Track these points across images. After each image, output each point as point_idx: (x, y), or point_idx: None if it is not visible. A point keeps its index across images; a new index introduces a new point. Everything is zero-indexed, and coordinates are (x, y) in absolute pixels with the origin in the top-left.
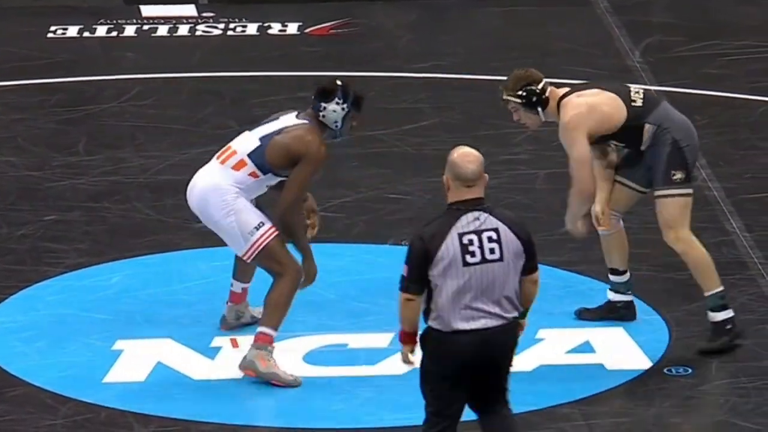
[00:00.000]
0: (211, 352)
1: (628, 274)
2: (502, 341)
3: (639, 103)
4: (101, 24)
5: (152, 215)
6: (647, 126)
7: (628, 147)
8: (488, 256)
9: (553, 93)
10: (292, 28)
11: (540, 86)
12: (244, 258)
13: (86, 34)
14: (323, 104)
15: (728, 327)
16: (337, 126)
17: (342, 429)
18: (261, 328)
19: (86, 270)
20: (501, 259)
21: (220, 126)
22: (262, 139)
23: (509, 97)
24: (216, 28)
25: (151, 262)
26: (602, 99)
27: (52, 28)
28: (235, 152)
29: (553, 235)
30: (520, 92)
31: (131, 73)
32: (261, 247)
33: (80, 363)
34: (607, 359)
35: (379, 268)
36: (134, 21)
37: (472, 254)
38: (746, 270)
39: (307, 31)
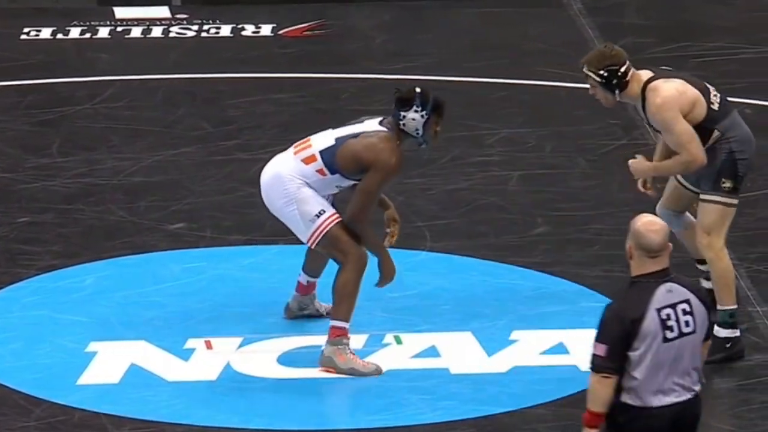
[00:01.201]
0: (185, 354)
1: None
2: (693, 415)
3: (716, 106)
4: (75, 25)
5: (126, 217)
6: (716, 132)
7: None
8: (684, 330)
9: (636, 76)
10: (266, 30)
11: (623, 69)
12: (308, 244)
13: (60, 35)
14: (402, 113)
15: (728, 345)
16: (418, 133)
17: (316, 430)
18: (332, 322)
19: (60, 272)
20: (694, 331)
21: (193, 127)
22: (337, 139)
23: (590, 74)
24: (190, 29)
25: (125, 263)
26: (691, 92)
27: (26, 30)
28: (310, 146)
29: (526, 236)
30: (602, 72)
31: (105, 75)
32: (322, 233)
33: (54, 365)
34: (581, 360)
35: None
36: (108, 22)
37: (671, 329)
38: None
39: (281, 32)
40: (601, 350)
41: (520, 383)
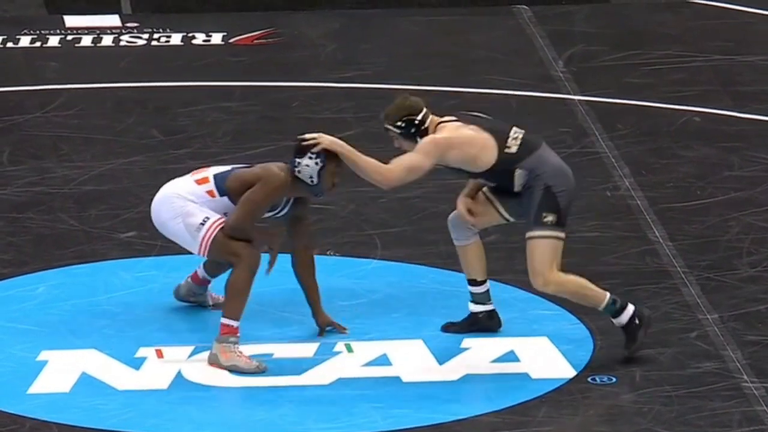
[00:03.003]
0: (136, 363)
1: (487, 284)
2: None
3: (513, 149)
4: (25, 34)
5: (76, 226)
6: (518, 171)
7: (499, 186)
8: None
9: (434, 121)
10: (217, 38)
11: (420, 117)
12: (198, 255)
13: (9, 44)
14: (297, 160)
15: (637, 322)
16: (312, 181)
17: None
18: (222, 320)
19: (10, 280)
20: None
21: (144, 136)
22: (234, 167)
23: (389, 127)
24: (140, 38)
25: (76, 272)
26: (476, 138)
27: None
28: (205, 169)
29: None
30: (399, 123)
31: (55, 83)
32: (209, 241)
33: (4, 374)
34: (532, 368)
35: None
36: (58, 31)
37: None
38: (669, 279)
39: (231, 41)
40: None
41: (472, 391)
